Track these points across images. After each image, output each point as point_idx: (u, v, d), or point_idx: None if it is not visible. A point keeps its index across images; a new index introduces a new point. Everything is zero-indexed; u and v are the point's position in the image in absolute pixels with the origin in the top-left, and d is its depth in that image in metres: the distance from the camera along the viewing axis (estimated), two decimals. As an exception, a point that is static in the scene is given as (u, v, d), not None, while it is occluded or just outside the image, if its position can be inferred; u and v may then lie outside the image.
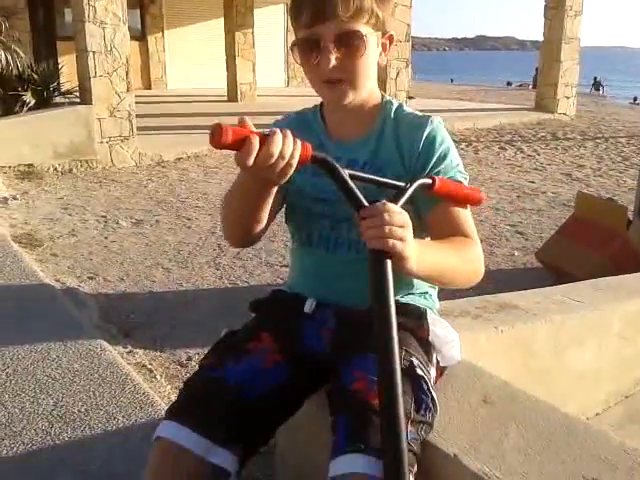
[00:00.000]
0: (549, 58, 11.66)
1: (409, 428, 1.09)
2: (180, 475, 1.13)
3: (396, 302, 1.18)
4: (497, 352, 1.85)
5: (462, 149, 8.67)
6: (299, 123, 1.37)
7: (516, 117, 11.38)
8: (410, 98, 10.58)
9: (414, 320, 1.31)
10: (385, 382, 0.98)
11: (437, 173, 1.24)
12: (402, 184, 1.10)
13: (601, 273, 2.81)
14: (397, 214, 0.97)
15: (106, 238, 4.68)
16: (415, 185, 1.11)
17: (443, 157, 1.27)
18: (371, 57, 1.22)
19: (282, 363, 1.27)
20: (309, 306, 1.33)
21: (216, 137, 0.90)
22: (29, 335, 2.83)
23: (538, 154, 8.40)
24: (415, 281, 1.36)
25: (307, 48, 1.19)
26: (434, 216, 1.25)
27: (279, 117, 1.45)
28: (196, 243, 4.61)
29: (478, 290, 3.21)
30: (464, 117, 11.16)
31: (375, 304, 0.98)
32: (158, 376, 2.64)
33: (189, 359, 2.86)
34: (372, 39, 1.21)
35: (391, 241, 0.95)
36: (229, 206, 1.26)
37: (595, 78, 26.61)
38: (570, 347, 2.07)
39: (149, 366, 2.73)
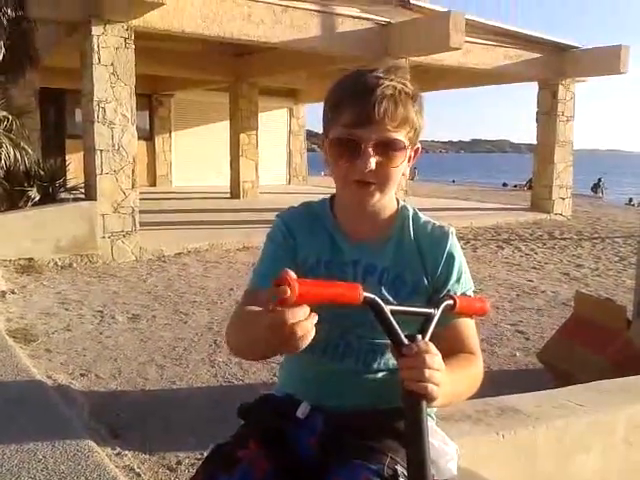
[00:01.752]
0: (543, 160, 12.03)
1: None
2: None
3: (393, 406, 1.15)
4: (499, 458, 1.78)
5: (461, 247, 8.74)
6: (308, 216, 1.36)
7: (513, 217, 11.59)
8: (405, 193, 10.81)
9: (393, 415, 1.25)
10: None
11: (455, 289, 1.31)
12: (430, 310, 1.14)
13: (602, 374, 2.76)
14: (436, 357, 1.00)
15: (101, 333, 4.63)
16: (441, 308, 1.16)
17: (460, 274, 1.34)
18: (401, 167, 1.25)
19: (270, 472, 1.21)
20: (302, 411, 1.28)
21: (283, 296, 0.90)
22: (17, 433, 2.74)
23: (536, 253, 8.47)
24: None
25: (344, 147, 1.20)
26: (446, 331, 1.26)
27: (283, 210, 1.41)
28: (192, 339, 4.55)
29: (480, 392, 3.13)
30: (462, 216, 11.37)
31: (411, 448, 1.02)
32: (146, 480, 2.52)
33: (179, 463, 2.75)
34: (407, 151, 1.24)
35: (430, 386, 0.99)
36: (239, 341, 1.19)
37: (599, 179, 26.97)
38: (574, 453, 1.99)
39: (137, 470, 2.62)
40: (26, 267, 6.60)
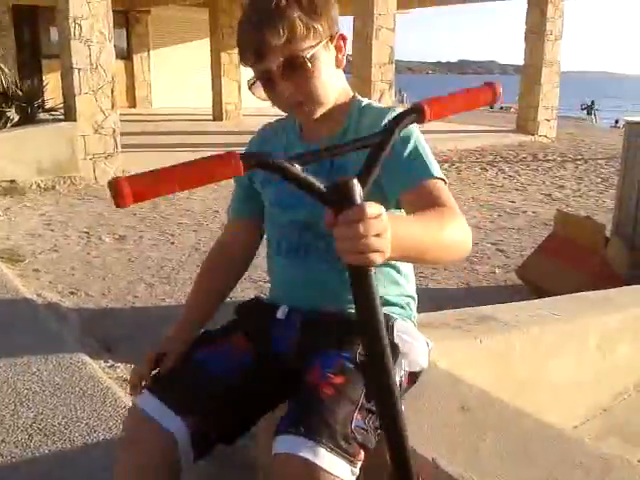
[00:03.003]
0: (529, 81, 11.89)
1: (356, 415, 1.10)
2: (139, 439, 1.20)
3: None
4: (476, 362, 1.88)
5: (445, 169, 8.75)
6: (274, 130, 1.44)
7: (497, 139, 11.56)
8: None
9: None
10: (381, 398, 0.98)
11: (408, 168, 1.22)
12: (375, 140, 0.96)
13: (580, 290, 2.86)
14: (374, 220, 0.81)
15: (88, 254, 4.67)
16: (397, 131, 0.95)
17: (413, 150, 1.24)
18: (324, 71, 1.21)
19: (250, 357, 1.33)
20: (281, 312, 1.36)
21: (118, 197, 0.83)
22: (10, 348, 2.81)
23: (519, 175, 8.52)
24: (393, 292, 1.38)
25: (263, 84, 1.23)
26: (406, 198, 1.21)
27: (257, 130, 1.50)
28: (179, 259, 4.61)
29: (459, 305, 3.23)
30: (447, 139, 11.30)
31: (362, 319, 0.91)
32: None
33: (171, 373, 2.85)
34: (319, 53, 1.20)
35: (370, 256, 0.82)
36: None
37: (592, 102, 26.51)
38: (548, 359, 2.10)
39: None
40: (8, 189, 6.53)
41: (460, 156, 9.93)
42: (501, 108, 25.78)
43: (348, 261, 0.84)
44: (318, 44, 1.19)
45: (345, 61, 1.28)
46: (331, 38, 1.23)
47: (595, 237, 3.74)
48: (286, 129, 1.41)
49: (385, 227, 0.83)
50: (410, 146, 1.24)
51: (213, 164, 0.88)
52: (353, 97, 1.35)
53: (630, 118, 4.39)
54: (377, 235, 0.82)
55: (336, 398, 1.11)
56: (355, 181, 0.84)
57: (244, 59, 1.22)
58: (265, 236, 1.50)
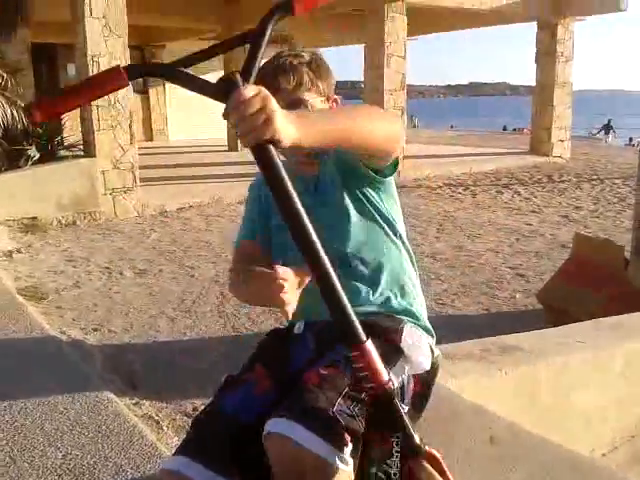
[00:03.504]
0: (542, 103, 11.92)
1: (339, 401, 1.18)
2: None
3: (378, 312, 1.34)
4: (502, 393, 1.88)
5: (460, 193, 8.79)
6: None
7: (512, 161, 11.57)
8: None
9: (389, 322, 1.41)
10: (324, 286, 1.01)
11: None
12: (253, 36, 1.03)
13: (601, 313, 2.85)
14: (249, 100, 0.92)
15: (110, 289, 4.72)
16: (270, 26, 1.02)
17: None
18: None
19: (271, 390, 1.36)
20: (297, 327, 1.48)
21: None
22: (36, 388, 2.84)
23: (535, 196, 8.51)
24: (416, 316, 1.47)
25: None
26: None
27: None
28: (199, 292, 4.64)
29: (480, 332, 3.22)
30: (461, 162, 11.34)
31: (275, 193, 0.96)
32: (165, 427, 2.64)
33: (195, 409, 2.85)
34: (316, 102, 1.46)
35: (255, 134, 0.92)
36: (240, 297, 1.55)
37: (609, 121, 26.52)
38: (574, 388, 2.09)
39: (156, 417, 2.73)
40: (30, 226, 6.65)
41: (475, 179, 9.94)
42: (514, 130, 25.85)
43: (244, 144, 0.94)
44: (318, 97, 1.47)
45: None
46: (328, 98, 1.50)
47: (615, 259, 3.72)
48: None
49: (264, 100, 0.92)
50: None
51: (102, 78, 1.00)
52: None
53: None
54: (260, 110, 0.91)
55: (319, 385, 1.22)
56: (237, 74, 0.94)
57: None
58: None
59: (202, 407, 2.82)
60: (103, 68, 6.95)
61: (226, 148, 13.62)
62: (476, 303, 4.30)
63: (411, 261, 1.54)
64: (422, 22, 11.56)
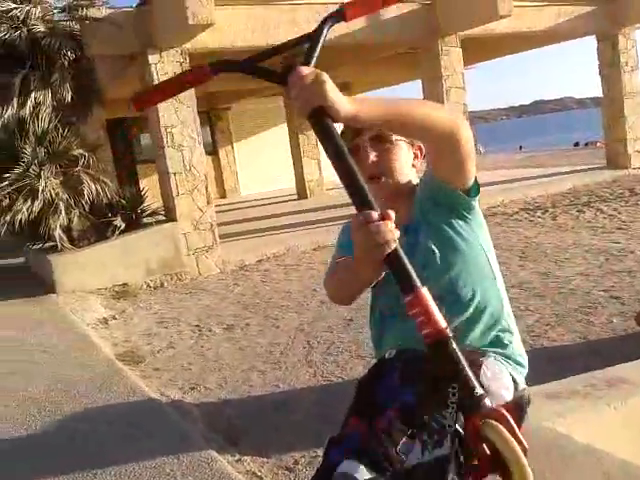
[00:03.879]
0: (613, 115, 11.55)
1: (403, 439, 1.21)
2: None
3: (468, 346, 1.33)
4: (612, 429, 1.80)
5: (539, 217, 8.57)
6: None
7: (589, 177, 11.20)
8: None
9: (472, 356, 1.35)
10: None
11: (437, 191, 1.45)
12: (311, 36, 1.16)
13: None
14: (302, 77, 1.04)
15: (202, 347, 4.87)
16: (326, 28, 1.16)
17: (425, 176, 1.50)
18: (403, 157, 1.54)
19: (367, 432, 1.36)
20: (389, 353, 1.51)
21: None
22: (142, 451, 2.95)
23: (619, 212, 8.17)
24: (509, 349, 1.46)
25: (355, 154, 1.39)
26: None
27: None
28: (286, 342, 4.71)
29: (580, 362, 3.09)
30: (536, 184, 11.08)
31: (330, 155, 1.05)
32: (268, 482, 2.67)
33: (295, 463, 2.88)
34: (402, 144, 1.53)
35: (309, 101, 1.04)
36: (339, 280, 1.52)
37: None
38: (691, 418, 1.97)
39: (259, 473, 2.77)
40: (121, 292, 6.98)
41: (553, 201, 9.67)
42: (586, 144, 25.03)
43: (301, 115, 1.05)
44: (404, 140, 1.54)
45: (419, 167, 1.58)
46: (412, 144, 1.57)
47: None
48: None
49: (317, 75, 1.04)
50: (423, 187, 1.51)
51: (190, 74, 1.19)
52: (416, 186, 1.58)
53: None
54: (313, 81, 1.03)
55: (387, 429, 1.25)
56: (298, 62, 1.07)
57: (345, 137, 1.42)
58: (370, 304, 1.64)
59: (302, 459, 2.85)
60: (177, 137, 7.35)
61: (295, 197, 13.90)
62: (572, 332, 4.14)
63: (504, 290, 1.54)
64: (478, 50, 11.55)
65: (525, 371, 1.52)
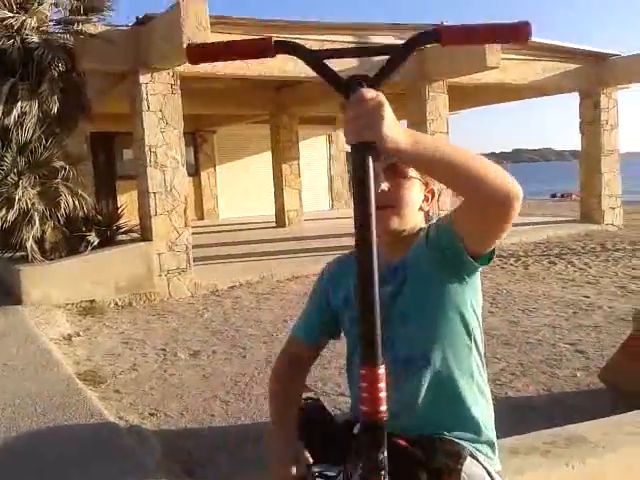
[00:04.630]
0: (590, 170, 11.85)
1: None
2: None
3: (441, 436, 1.30)
4: (570, 490, 1.81)
5: (511, 264, 8.68)
6: (347, 261, 1.58)
7: (563, 229, 11.42)
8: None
9: (447, 459, 1.31)
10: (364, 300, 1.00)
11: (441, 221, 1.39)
12: (393, 47, 1.07)
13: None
14: (363, 103, 0.96)
15: (165, 371, 4.79)
16: (417, 43, 1.05)
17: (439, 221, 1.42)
18: (414, 194, 1.46)
19: None
20: (357, 428, 1.36)
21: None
22: (96, 475, 2.88)
23: (589, 267, 8.32)
24: (478, 427, 1.40)
25: None
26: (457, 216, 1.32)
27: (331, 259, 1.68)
28: (252, 373, 4.66)
29: (542, 416, 3.11)
30: (511, 233, 11.17)
31: (356, 196, 1.00)
32: (223, 518, 2.62)
33: (253, 498, 2.83)
34: (416, 181, 1.46)
35: (359, 133, 0.96)
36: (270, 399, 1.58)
37: None
38: (647, 481, 1.99)
39: (213, 507, 2.72)
40: (88, 309, 6.87)
41: (526, 250, 9.82)
42: (562, 196, 25.56)
43: (347, 141, 0.98)
44: (422, 181, 1.49)
45: (428, 212, 1.52)
46: (426, 185, 1.51)
47: (680, 336, 3.58)
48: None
49: (375, 107, 0.96)
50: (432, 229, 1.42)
51: (253, 43, 1.09)
52: (421, 229, 1.51)
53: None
54: (372, 111, 0.95)
55: None
56: (367, 77, 1.00)
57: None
58: (346, 349, 1.58)
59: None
60: (160, 157, 7.34)
61: (274, 224, 13.91)
62: (536, 382, 4.17)
63: (482, 362, 1.47)
64: (464, 98, 11.81)
65: (496, 452, 1.45)
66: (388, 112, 0.97)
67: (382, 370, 0.99)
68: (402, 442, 1.32)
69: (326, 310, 1.58)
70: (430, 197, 1.51)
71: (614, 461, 1.90)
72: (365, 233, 0.99)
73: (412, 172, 1.45)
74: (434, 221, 1.45)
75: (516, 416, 3.42)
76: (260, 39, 1.08)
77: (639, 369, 3.56)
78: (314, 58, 1.06)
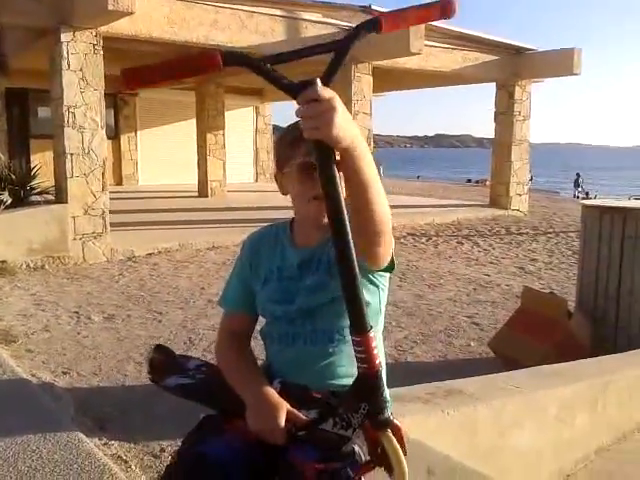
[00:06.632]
0: (501, 158, 12.50)
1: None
2: None
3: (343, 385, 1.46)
4: (445, 433, 2.08)
5: (422, 243, 9.13)
6: (270, 234, 1.68)
7: (473, 213, 12.04)
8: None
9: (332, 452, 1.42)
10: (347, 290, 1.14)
11: None
12: (336, 46, 1.11)
13: (546, 361, 3.10)
14: (317, 104, 1.01)
15: (79, 333, 4.82)
16: (357, 39, 1.10)
17: None
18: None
19: (254, 443, 1.46)
20: (274, 385, 1.53)
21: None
22: (9, 428, 2.94)
23: (493, 248, 8.88)
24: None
25: (308, 170, 1.45)
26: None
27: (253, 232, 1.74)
28: (167, 337, 4.77)
29: (434, 378, 3.44)
30: (425, 213, 11.75)
31: (324, 188, 1.06)
32: (133, 466, 2.77)
33: (162, 450, 2.99)
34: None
35: (316, 132, 1.02)
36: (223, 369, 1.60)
37: (578, 175, 27.62)
38: (511, 428, 2.31)
39: (124, 457, 2.85)
40: (-1, 269, 6.71)
41: (437, 230, 10.32)
42: (477, 182, 26.70)
43: (305, 136, 1.03)
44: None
45: None
46: None
47: (558, 311, 4.01)
48: (278, 234, 1.66)
49: (329, 105, 1.01)
50: None
51: (197, 59, 1.06)
52: None
53: (587, 202, 4.76)
54: (326, 111, 1.00)
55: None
56: (317, 79, 1.03)
57: (296, 150, 1.47)
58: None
59: (169, 448, 2.96)
60: (79, 118, 7.17)
61: (196, 194, 13.83)
62: (434, 350, 4.53)
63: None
64: (389, 81, 12.13)
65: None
66: (340, 110, 1.02)
67: (372, 333, 1.18)
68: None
69: (247, 282, 1.67)
70: None
71: (485, 409, 2.20)
72: (339, 227, 1.09)
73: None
74: None
75: (411, 378, 3.72)
76: (207, 54, 1.05)
77: (519, 338, 3.97)
78: (264, 68, 1.08)
